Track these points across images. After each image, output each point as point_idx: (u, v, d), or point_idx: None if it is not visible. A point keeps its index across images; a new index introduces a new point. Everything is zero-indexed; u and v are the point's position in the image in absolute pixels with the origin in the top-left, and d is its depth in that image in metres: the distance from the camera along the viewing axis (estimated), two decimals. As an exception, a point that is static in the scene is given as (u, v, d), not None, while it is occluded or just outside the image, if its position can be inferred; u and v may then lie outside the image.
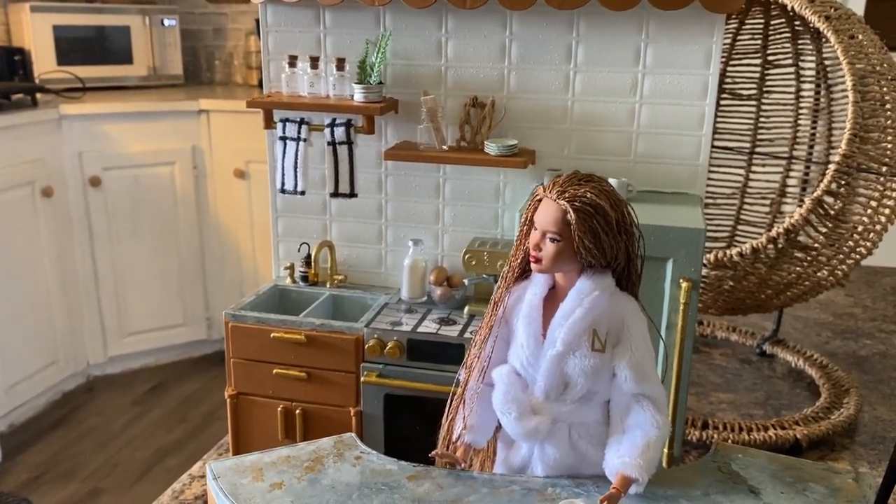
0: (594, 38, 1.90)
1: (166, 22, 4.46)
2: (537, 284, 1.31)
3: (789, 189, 2.92)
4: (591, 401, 1.29)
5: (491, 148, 1.91)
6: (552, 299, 1.31)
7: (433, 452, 1.34)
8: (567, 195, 1.22)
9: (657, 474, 1.27)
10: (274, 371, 1.98)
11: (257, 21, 4.50)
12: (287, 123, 2.03)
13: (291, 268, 2.21)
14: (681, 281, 1.70)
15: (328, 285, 2.19)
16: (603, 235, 1.22)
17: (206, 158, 4.23)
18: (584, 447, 1.29)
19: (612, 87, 1.93)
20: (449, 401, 1.39)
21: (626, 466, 1.21)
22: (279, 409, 2.00)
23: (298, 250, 2.19)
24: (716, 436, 2.31)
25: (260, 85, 4.60)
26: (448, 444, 1.36)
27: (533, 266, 1.28)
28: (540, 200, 1.27)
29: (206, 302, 4.47)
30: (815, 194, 2.14)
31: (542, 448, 1.30)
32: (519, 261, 1.33)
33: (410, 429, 1.94)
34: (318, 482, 1.28)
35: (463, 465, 1.33)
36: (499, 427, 1.38)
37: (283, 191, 2.08)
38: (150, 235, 4.20)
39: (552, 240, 1.23)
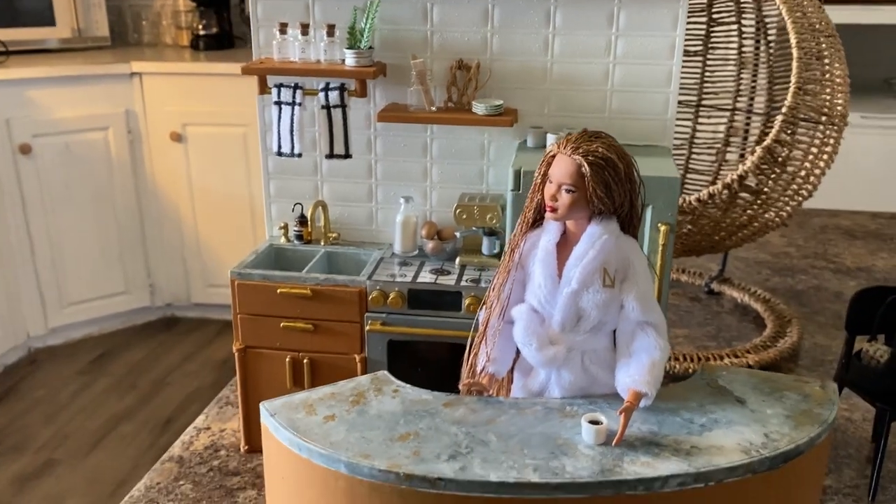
0: (571, 2, 2.06)
1: None
2: (550, 231, 1.48)
3: (732, 139, 3.16)
4: (600, 331, 1.47)
5: (479, 108, 2.06)
6: (563, 244, 1.48)
7: (462, 383, 1.51)
8: (581, 150, 1.38)
9: (657, 393, 1.47)
10: (281, 324, 2.11)
11: None
12: (282, 89, 2.13)
13: (285, 227, 2.32)
14: (659, 225, 1.90)
15: (322, 243, 2.31)
16: (613, 185, 1.39)
17: (141, 122, 4.19)
18: (595, 371, 1.48)
19: (587, 49, 2.09)
20: (470, 338, 1.56)
21: (637, 383, 1.40)
22: (287, 359, 2.13)
23: (292, 210, 2.30)
24: (678, 366, 2.55)
25: (191, 45, 4.57)
26: (472, 376, 1.53)
27: (549, 215, 1.44)
28: (553, 157, 1.43)
29: (148, 268, 4.46)
30: (765, 143, 2.36)
31: (558, 373, 1.49)
32: (532, 211, 1.49)
33: (412, 371, 2.09)
34: (365, 413, 1.43)
35: (490, 391, 1.50)
36: (515, 359, 1.56)
37: (280, 154, 2.18)
38: (86, 203, 4.15)
39: (568, 191, 1.40)
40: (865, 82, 4.63)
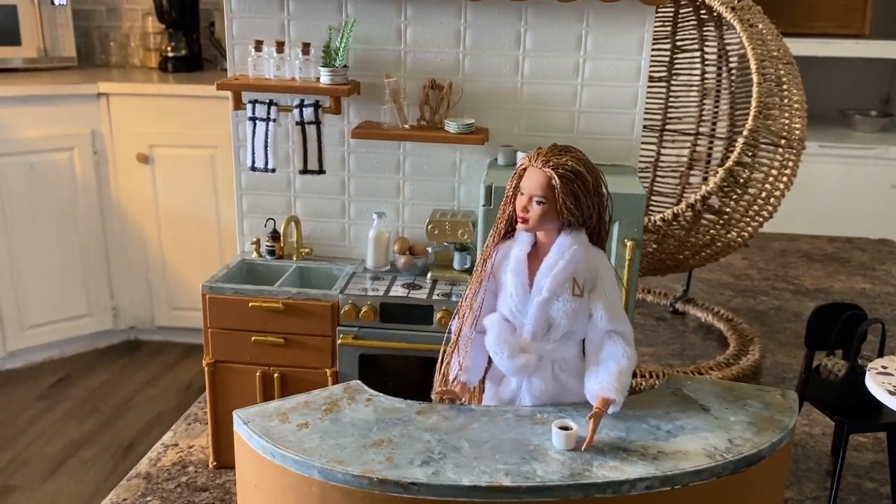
0: (541, 26, 2.12)
1: (56, 1, 4.32)
2: (522, 242, 1.52)
3: (695, 163, 3.25)
4: (570, 339, 1.51)
5: (451, 126, 2.10)
6: (534, 255, 1.52)
7: (434, 391, 1.53)
8: (551, 164, 1.43)
9: (624, 400, 1.51)
10: (252, 339, 2.11)
11: (155, 1, 4.46)
12: (257, 105, 2.15)
13: (257, 243, 2.33)
14: (626, 240, 1.95)
15: (294, 258, 2.32)
16: (582, 197, 1.43)
17: (107, 143, 4.16)
18: (564, 379, 1.52)
19: (556, 71, 2.16)
20: (442, 347, 1.59)
21: (605, 390, 1.43)
22: (257, 374, 2.13)
23: (265, 225, 2.32)
24: (644, 383, 2.60)
25: (160, 67, 4.58)
26: (445, 385, 1.55)
27: (520, 226, 1.48)
28: (525, 169, 1.47)
29: (112, 291, 4.40)
30: (727, 164, 2.44)
31: (529, 381, 1.52)
32: (504, 222, 1.53)
33: (383, 385, 2.11)
34: (339, 420, 1.44)
35: (462, 400, 1.53)
36: (487, 368, 1.58)
37: (253, 169, 2.20)
38: (49, 224, 4.09)
39: (538, 202, 1.44)
40: (822, 113, 4.79)
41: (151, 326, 4.54)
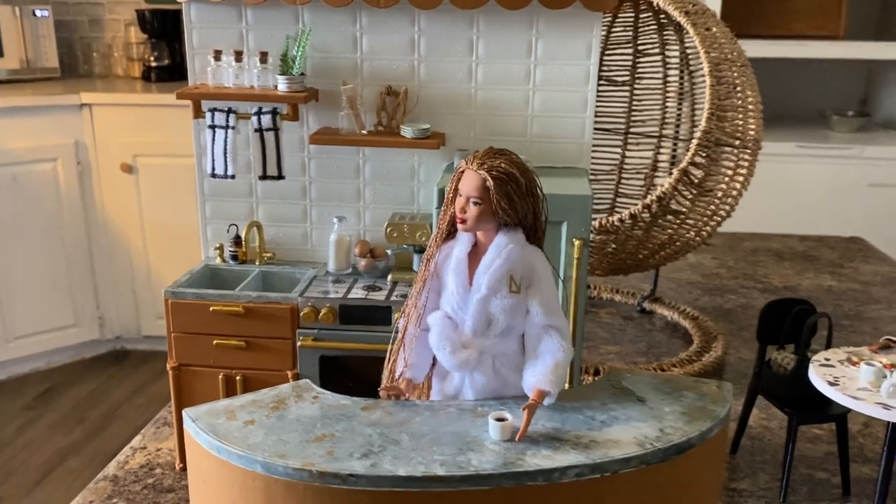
0: (492, 33, 2.18)
1: (38, 12, 4.33)
2: (462, 242, 1.57)
3: (660, 164, 3.31)
4: (509, 335, 1.56)
5: (407, 131, 2.16)
6: (474, 254, 1.57)
7: (381, 388, 1.58)
8: (486, 166, 1.48)
9: (563, 392, 1.56)
10: (214, 342, 2.16)
11: (138, 12, 4.51)
12: (216, 113, 2.20)
13: (221, 248, 2.38)
14: (573, 240, 2.00)
15: (257, 263, 2.37)
16: (515, 197, 1.49)
17: (91, 153, 4.18)
18: (505, 373, 1.57)
19: (509, 77, 2.21)
20: (389, 345, 1.63)
21: (541, 382, 1.48)
22: (220, 377, 2.18)
23: (227, 231, 2.37)
24: (607, 380, 2.65)
25: (143, 77, 4.62)
26: (391, 382, 1.60)
27: (459, 226, 1.53)
28: (463, 172, 1.52)
29: (98, 301, 4.42)
30: (681, 166, 2.49)
31: (471, 376, 1.57)
32: (446, 224, 1.58)
33: (343, 386, 2.15)
34: (284, 417, 1.49)
35: (407, 396, 1.58)
36: (432, 365, 1.63)
37: (213, 175, 2.25)
38: (34, 234, 4.11)
39: (475, 203, 1.50)
40: (801, 114, 4.86)
41: (137, 336, 4.56)
